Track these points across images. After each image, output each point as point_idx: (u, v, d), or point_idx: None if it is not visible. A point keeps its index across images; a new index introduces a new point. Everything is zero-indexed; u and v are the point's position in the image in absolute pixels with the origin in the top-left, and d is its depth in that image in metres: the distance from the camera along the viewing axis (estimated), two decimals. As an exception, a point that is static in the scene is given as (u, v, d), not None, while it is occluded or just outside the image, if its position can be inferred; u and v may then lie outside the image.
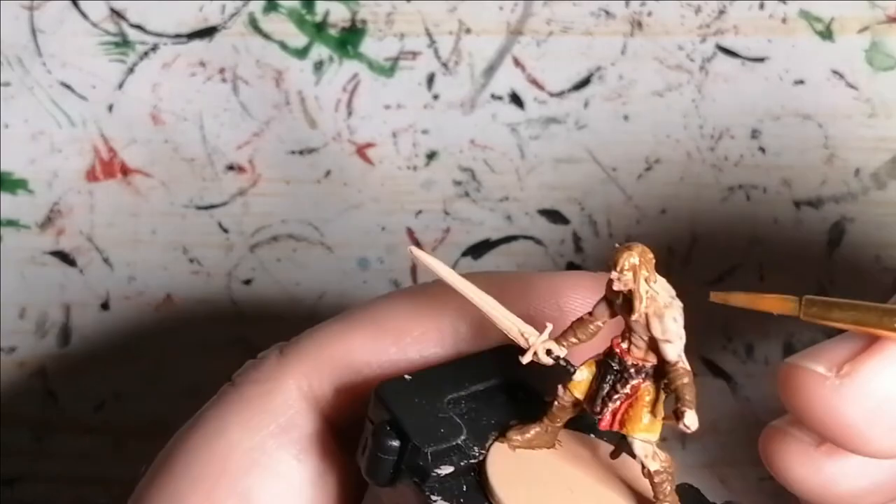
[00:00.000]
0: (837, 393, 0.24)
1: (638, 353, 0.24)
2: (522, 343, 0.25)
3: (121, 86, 0.44)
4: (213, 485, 0.26)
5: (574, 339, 0.25)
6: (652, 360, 0.25)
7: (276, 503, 0.27)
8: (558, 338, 0.26)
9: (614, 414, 0.25)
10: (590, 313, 0.25)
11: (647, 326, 0.24)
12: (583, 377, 0.25)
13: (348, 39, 0.44)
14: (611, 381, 0.25)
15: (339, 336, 0.28)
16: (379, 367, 0.27)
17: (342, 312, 0.29)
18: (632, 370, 0.24)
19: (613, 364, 0.25)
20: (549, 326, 0.25)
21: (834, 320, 0.24)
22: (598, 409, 0.25)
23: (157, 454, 0.29)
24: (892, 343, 0.24)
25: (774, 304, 0.25)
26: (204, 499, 0.27)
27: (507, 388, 0.27)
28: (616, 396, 0.25)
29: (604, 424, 0.25)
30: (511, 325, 0.25)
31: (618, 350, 0.25)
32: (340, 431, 0.28)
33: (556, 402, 0.25)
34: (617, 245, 0.24)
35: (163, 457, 0.28)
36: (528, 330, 0.25)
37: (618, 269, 0.25)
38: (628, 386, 0.25)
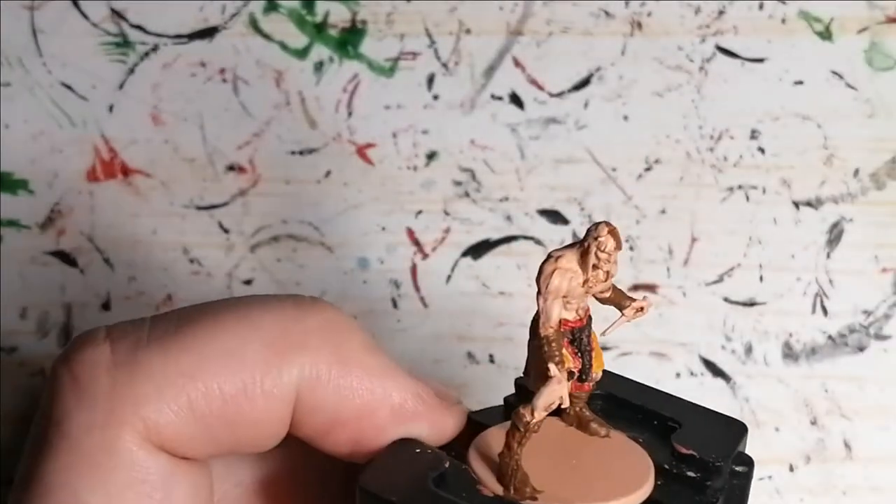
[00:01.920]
0: None
1: (580, 315, 0.28)
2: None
3: (121, 86, 0.44)
4: None
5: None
6: (583, 313, 0.28)
7: None
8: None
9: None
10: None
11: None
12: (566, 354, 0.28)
13: (348, 40, 0.44)
14: (580, 346, 0.28)
15: (183, 374, 0.25)
16: (221, 417, 0.26)
17: (186, 327, 0.26)
18: (586, 330, 0.28)
19: (575, 335, 0.28)
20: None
21: None
22: (589, 367, 0.28)
23: None
24: None
25: None
26: None
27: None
28: (591, 352, 0.28)
29: (597, 376, 0.28)
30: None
31: (573, 324, 0.28)
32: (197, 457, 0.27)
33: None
34: (604, 225, 0.27)
35: None
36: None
37: (615, 249, 0.28)
38: (590, 341, 0.28)
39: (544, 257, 0.27)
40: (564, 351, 0.27)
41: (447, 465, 0.27)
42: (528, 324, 0.45)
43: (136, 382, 0.25)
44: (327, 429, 0.27)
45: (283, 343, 0.26)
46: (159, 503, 0.26)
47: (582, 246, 0.27)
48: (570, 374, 0.27)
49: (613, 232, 0.27)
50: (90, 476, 0.25)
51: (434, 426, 0.28)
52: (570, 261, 0.27)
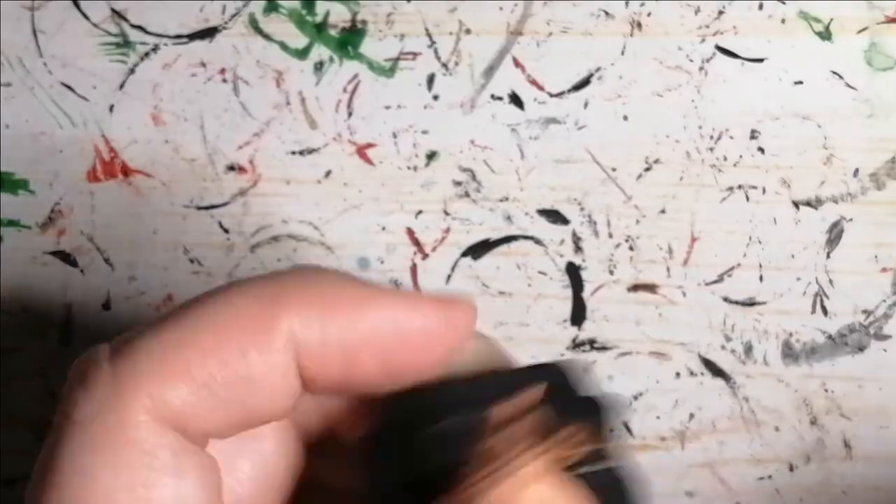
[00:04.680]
0: None
1: None
2: None
3: (121, 86, 0.44)
4: None
5: None
6: None
7: None
8: None
9: None
10: None
11: None
12: None
13: (348, 40, 0.44)
14: None
15: (179, 346, 0.26)
16: (224, 380, 0.26)
17: (176, 313, 0.27)
18: None
19: None
20: None
21: None
22: None
23: None
24: None
25: None
26: None
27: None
28: None
29: None
30: None
31: None
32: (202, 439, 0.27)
33: None
34: None
35: None
36: None
37: None
38: None
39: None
40: None
41: None
42: (528, 323, 0.46)
43: (135, 363, 0.26)
44: (342, 370, 0.28)
45: (266, 303, 0.27)
46: (171, 481, 0.26)
47: None
48: None
49: None
50: (103, 456, 0.26)
51: (442, 322, 0.29)
52: None
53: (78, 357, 0.27)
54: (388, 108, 0.44)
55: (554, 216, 0.44)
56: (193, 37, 0.44)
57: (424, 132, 0.44)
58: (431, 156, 0.44)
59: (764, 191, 0.44)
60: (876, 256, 0.43)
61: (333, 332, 0.27)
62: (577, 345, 0.44)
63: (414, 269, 0.44)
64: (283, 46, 0.44)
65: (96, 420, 0.26)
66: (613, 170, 0.44)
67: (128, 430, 0.26)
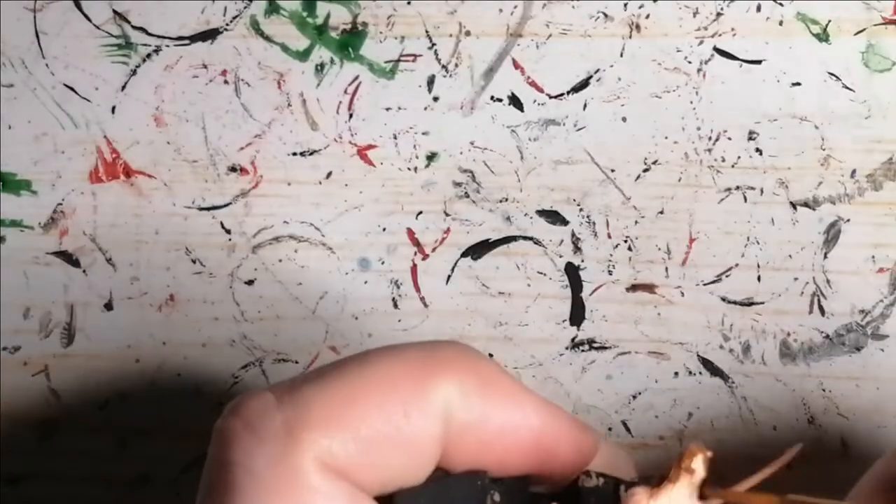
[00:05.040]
0: None
1: None
2: None
3: (123, 87, 0.45)
4: None
5: None
6: None
7: None
8: None
9: None
10: None
11: None
12: None
13: (349, 42, 0.44)
14: None
15: (348, 400, 0.27)
16: (386, 438, 0.27)
17: (341, 366, 0.28)
18: None
19: None
20: None
21: None
22: None
23: None
24: None
25: (760, 502, 0.27)
26: None
27: None
28: None
29: None
30: None
31: None
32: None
33: None
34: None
35: None
36: None
37: None
38: None
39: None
40: None
41: None
42: (527, 323, 0.46)
43: (304, 412, 0.27)
44: (475, 451, 0.28)
45: (429, 366, 0.28)
46: None
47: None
48: None
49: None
50: (284, 501, 0.26)
51: (572, 445, 0.29)
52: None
53: (234, 403, 0.28)
54: (388, 109, 0.44)
55: (553, 217, 0.44)
56: (195, 38, 0.44)
57: (425, 133, 0.44)
58: (431, 157, 0.44)
59: (762, 191, 0.44)
60: (873, 257, 0.44)
61: (485, 410, 0.28)
62: (576, 345, 0.44)
63: (414, 269, 0.45)
64: (285, 48, 0.44)
65: (271, 468, 0.26)
66: (612, 171, 0.44)
67: (304, 477, 0.26)
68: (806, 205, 0.44)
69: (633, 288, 0.44)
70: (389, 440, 0.27)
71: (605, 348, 0.44)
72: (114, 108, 0.45)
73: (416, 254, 0.45)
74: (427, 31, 0.44)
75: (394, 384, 0.27)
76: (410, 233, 0.45)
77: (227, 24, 0.44)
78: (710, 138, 0.44)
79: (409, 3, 0.44)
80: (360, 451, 0.27)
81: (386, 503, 0.28)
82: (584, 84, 0.44)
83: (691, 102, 0.44)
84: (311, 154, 0.45)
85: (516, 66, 0.44)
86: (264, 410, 0.27)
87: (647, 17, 0.43)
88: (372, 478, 0.27)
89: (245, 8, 0.44)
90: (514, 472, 0.29)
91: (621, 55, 0.44)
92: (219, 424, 0.28)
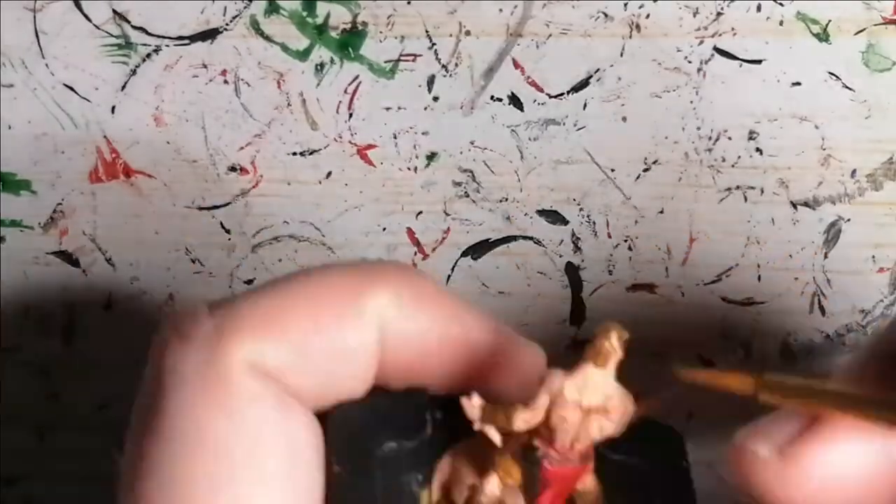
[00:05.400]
0: (779, 477, 0.24)
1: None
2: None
3: (123, 87, 0.45)
4: (231, 485, 0.26)
5: None
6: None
7: (292, 468, 0.26)
8: None
9: None
10: None
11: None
12: None
13: (349, 41, 0.44)
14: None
15: (278, 309, 0.27)
16: (319, 346, 0.27)
17: (274, 282, 0.28)
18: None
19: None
20: None
21: (788, 401, 0.24)
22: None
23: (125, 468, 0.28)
24: (833, 422, 0.24)
25: (733, 382, 0.25)
26: (227, 496, 0.26)
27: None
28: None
29: None
30: None
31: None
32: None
33: None
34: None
35: (152, 480, 0.27)
36: None
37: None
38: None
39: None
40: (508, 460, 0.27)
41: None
42: (527, 323, 0.46)
43: (234, 317, 0.27)
44: (413, 365, 0.28)
45: (365, 279, 0.28)
46: (279, 425, 0.26)
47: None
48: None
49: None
50: (211, 403, 0.26)
51: (514, 360, 0.29)
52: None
53: (171, 315, 0.28)
54: (388, 109, 0.44)
55: (553, 216, 0.44)
56: (195, 38, 0.44)
57: (425, 133, 0.44)
58: (431, 157, 0.44)
59: (762, 191, 0.44)
60: (873, 256, 0.44)
61: (422, 323, 0.28)
62: (576, 344, 0.44)
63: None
64: (284, 48, 0.44)
65: (199, 370, 0.26)
66: (612, 170, 0.44)
67: (230, 378, 0.26)
68: (806, 204, 0.44)
69: (634, 288, 0.44)
70: (321, 348, 0.27)
71: (606, 348, 0.44)
72: (114, 108, 0.45)
73: (416, 254, 0.45)
74: (427, 31, 0.44)
75: (328, 294, 0.27)
76: (410, 233, 0.45)
77: (227, 24, 0.44)
78: (710, 138, 0.44)
79: (409, 2, 0.44)
80: (290, 357, 0.27)
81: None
82: (584, 84, 0.44)
83: (691, 102, 0.44)
84: (311, 154, 0.45)
85: (516, 65, 0.44)
86: (196, 318, 0.27)
87: (648, 16, 0.43)
88: (304, 385, 0.27)
89: (245, 8, 0.44)
90: (455, 388, 0.28)
91: (621, 55, 0.44)
92: (155, 336, 0.28)
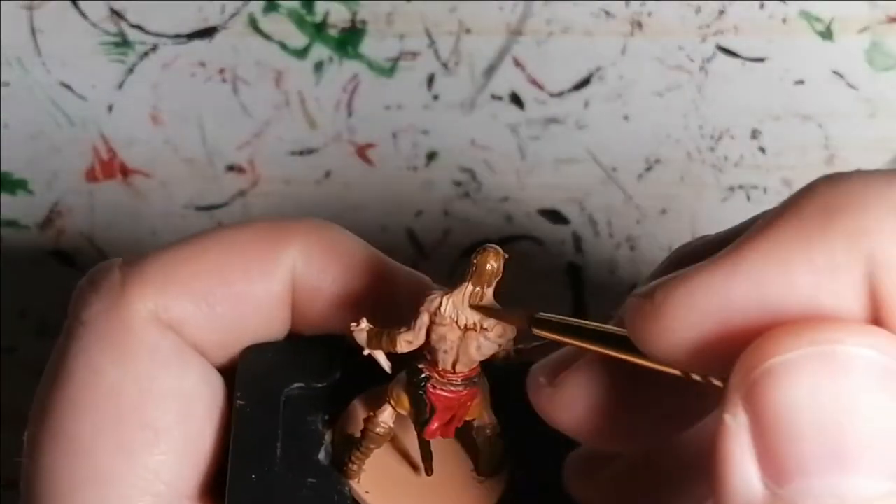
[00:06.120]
0: (550, 400, 0.26)
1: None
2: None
3: (120, 86, 0.44)
4: (118, 428, 0.27)
5: None
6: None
7: (180, 418, 0.27)
8: None
9: None
10: None
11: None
12: None
13: (348, 40, 0.44)
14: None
15: (185, 260, 0.28)
16: (223, 297, 0.28)
17: (188, 237, 0.29)
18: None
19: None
20: None
21: (556, 337, 0.26)
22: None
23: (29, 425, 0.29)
24: (596, 357, 0.26)
25: (512, 317, 0.27)
26: (115, 444, 0.27)
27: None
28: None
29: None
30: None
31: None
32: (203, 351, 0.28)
33: None
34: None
35: (47, 420, 0.28)
36: None
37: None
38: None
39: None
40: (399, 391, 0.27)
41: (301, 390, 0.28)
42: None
43: (143, 271, 0.28)
44: (327, 316, 0.29)
45: (275, 233, 0.29)
46: (173, 375, 0.27)
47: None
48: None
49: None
50: (107, 350, 0.27)
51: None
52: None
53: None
54: (387, 108, 0.44)
55: (554, 216, 0.44)
56: (192, 36, 0.44)
57: (424, 132, 0.44)
58: (431, 156, 0.44)
59: (765, 190, 0.44)
60: (877, 256, 0.43)
61: (333, 275, 0.29)
62: (577, 345, 0.44)
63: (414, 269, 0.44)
64: (283, 46, 0.44)
65: (101, 319, 0.27)
66: (614, 169, 0.44)
67: (132, 327, 0.27)
68: (810, 204, 0.44)
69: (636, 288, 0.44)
70: (227, 300, 0.28)
71: (607, 349, 0.44)
72: (111, 107, 0.44)
73: (415, 253, 0.44)
74: (427, 29, 0.44)
75: (237, 247, 0.28)
76: (410, 232, 0.45)
77: (225, 22, 0.44)
78: (712, 137, 0.43)
79: (408, 0, 0.43)
80: (193, 308, 0.28)
81: None
82: (585, 82, 0.44)
83: (694, 101, 0.43)
84: (310, 153, 0.44)
85: (517, 64, 0.44)
86: (108, 270, 0.28)
87: (650, 14, 0.43)
88: (208, 337, 0.28)
89: (243, 6, 0.44)
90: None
91: (623, 53, 0.43)
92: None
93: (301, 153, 0.44)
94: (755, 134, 0.43)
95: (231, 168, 0.45)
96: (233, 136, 0.44)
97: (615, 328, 0.26)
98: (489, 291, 0.26)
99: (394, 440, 0.28)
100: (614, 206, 0.44)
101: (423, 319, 0.26)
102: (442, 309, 0.26)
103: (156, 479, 0.26)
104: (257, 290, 0.28)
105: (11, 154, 0.45)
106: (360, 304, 0.28)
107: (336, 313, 0.29)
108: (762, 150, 0.43)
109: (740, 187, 0.44)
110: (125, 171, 0.45)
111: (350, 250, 0.29)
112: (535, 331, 0.26)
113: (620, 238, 0.44)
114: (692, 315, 0.22)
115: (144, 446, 0.27)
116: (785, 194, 0.44)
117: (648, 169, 0.44)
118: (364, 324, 0.26)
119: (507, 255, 0.26)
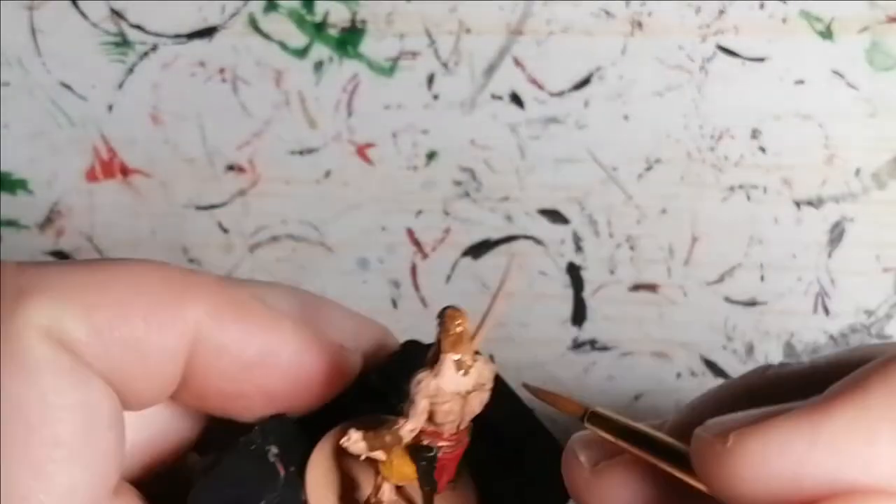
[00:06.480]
0: (588, 486, 0.26)
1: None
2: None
3: (120, 86, 0.44)
4: (29, 436, 0.25)
5: None
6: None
7: (88, 427, 0.26)
8: None
9: None
10: None
11: None
12: None
13: (348, 39, 0.44)
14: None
15: (90, 286, 0.27)
16: (119, 336, 0.27)
17: (101, 260, 0.28)
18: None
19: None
20: None
21: (605, 435, 0.26)
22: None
23: None
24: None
25: (567, 406, 0.27)
26: (28, 464, 0.25)
27: None
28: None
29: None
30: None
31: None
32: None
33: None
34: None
35: None
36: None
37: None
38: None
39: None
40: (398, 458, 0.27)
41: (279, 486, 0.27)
42: (529, 323, 0.45)
43: (41, 281, 0.26)
44: (234, 376, 0.28)
45: (182, 285, 0.27)
46: (74, 385, 0.26)
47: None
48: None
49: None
50: (3, 363, 0.25)
51: (335, 365, 0.29)
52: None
53: None
54: (387, 107, 0.44)
55: (554, 216, 0.44)
56: (192, 36, 0.44)
57: (424, 132, 0.44)
58: (431, 155, 0.44)
59: (765, 190, 0.44)
60: (878, 256, 0.43)
61: (239, 334, 0.28)
62: (577, 345, 0.44)
63: (414, 269, 0.44)
64: (283, 46, 0.44)
65: None
66: (614, 169, 0.44)
67: (24, 341, 0.26)
68: (810, 204, 0.43)
69: (636, 288, 0.44)
70: (122, 340, 0.27)
71: (608, 349, 0.44)
72: (111, 107, 0.44)
73: (415, 253, 0.44)
74: (427, 29, 0.44)
75: (142, 289, 0.27)
76: (410, 232, 0.44)
77: (225, 22, 0.44)
78: (712, 136, 0.43)
79: (408, 0, 0.43)
80: (89, 337, 0.26)
81: None
82: (585, 82, 0.44)
83: (694, 101, 0.43)
84: (310, 153, 0.44)
85: (517, 63, 0.44)
86: (8, 276, 0.27)
87: (649, 14, 0.43)
88: (102, 368, 0.27)
89: (243, 6, 0.44)
90: (279, 401, 0.28)
91: (623, 53, 0.43)
92: None
93: (301, 153, 0.44)
94: (755, 134, 0.43)
95: (231, 168, 0.44)
96: (233, 136, 0.44)
97: (673, 441, 0.25)
98: (475, 344, 0.26)
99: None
100: (614, 206, 0.44)
101: (423, 405, 0.26)
102: (444, 388, 0.26)
103: (72, 499, 0.25)
104: (154, 338, 0.27)
105: (11, 154, 0.45)
106: (269, 364, 0.28)
107: (243, 375, 0.28)
108: (762, 149, 0.43)
109: (740, 187, 0.44)
110: (125, 171, 0.45)
111: (256, 309, 0.28)
112: (588, 426, 0.26)
113: (620, 238, 0.44)
114: (765, 469, 0.22)
115: (59, 464, 0.25)
116: (785, 194, 0.44)
117: (648, 169, 0.44)
118: (355, 434, 0.26)
119: (465, 309, 0.26)
